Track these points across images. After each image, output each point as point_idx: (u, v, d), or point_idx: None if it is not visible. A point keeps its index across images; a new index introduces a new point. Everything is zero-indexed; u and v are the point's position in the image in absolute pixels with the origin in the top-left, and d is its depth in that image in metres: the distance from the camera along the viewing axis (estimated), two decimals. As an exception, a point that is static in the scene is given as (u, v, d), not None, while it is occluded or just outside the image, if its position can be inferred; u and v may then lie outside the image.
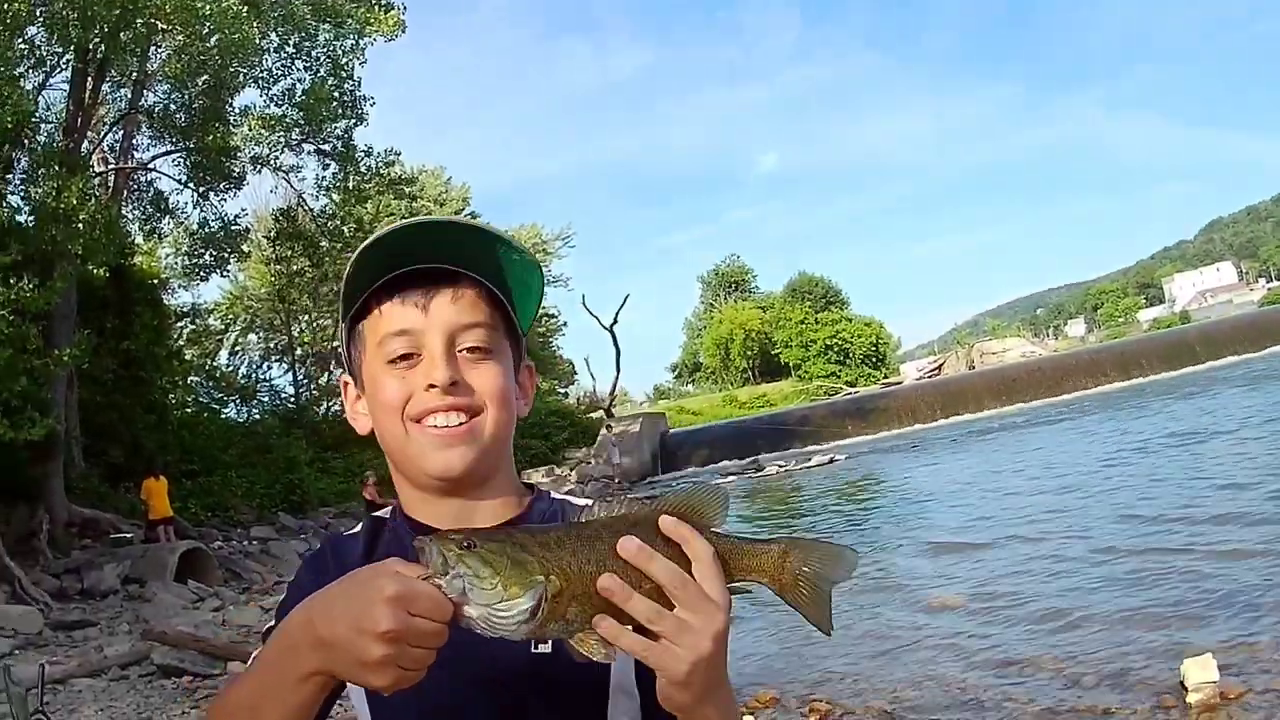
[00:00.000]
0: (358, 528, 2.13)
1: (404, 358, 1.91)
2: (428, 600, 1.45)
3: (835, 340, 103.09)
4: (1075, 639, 10.97)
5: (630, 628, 1.51)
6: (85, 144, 30.52)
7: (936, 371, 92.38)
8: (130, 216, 34.74)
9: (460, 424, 1.89)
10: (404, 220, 1.91)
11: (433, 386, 1.87)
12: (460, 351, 1.91)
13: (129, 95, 32.72)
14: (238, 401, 52.09)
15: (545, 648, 1.81)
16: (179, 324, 47.01)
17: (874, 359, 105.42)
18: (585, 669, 1.60)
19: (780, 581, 1.64)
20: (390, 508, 2.09)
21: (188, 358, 46.95)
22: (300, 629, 1.56)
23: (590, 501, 1.70)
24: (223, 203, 36.87)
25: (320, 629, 1.51)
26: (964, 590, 14.61)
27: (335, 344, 60.22)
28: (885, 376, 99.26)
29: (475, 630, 1.48)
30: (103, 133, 33.23)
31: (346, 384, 2.10)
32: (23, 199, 27.43)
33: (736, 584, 1.62)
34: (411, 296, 1.90)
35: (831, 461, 44.80)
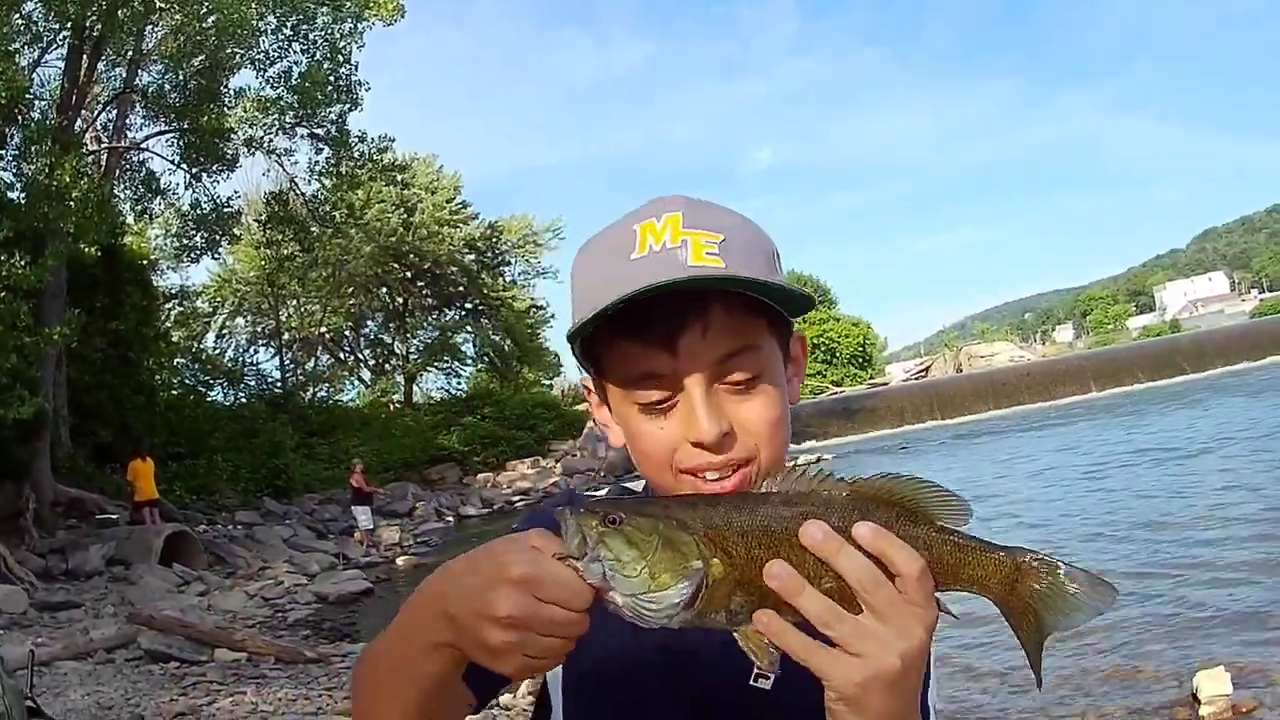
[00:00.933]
0: (603, 492, 1.92)
1: (660, 403, 1.61)
2: (559, 586, 1.26)
3: (822, 339, 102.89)
4: (1083, 649, 10.79)
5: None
6: (79, 122, 30.38)
7: (924, 374, 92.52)
8: (122, 196, 34.55)
9: (730, 475, 1.59)
10: (644, 286, 1.51)
11: (699, 444, 1.57)
12: (723, 387, 1.59)
13: (124, 74, 32.65)
14: (224, 385, 52.08)
15: (765, 683, 1.58)
16: (167, 305, 46.97)
17: (860, 359, 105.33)
18: (807, 711, 1.40)
19: (1009, 602, 1.39)
20: (646, 483, 1.83)
21: (175, 339, 47.00)
22: (433, 599, 1.39)
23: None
24: (215, 185, 36.87)
25: (448, 603, 1.34)
26: (962, 598, 14.51)
27: (323, 329, 60.43)
28: (871, 377, 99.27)
29: (622, 617, 1.28)
30: (97, 111, 33.10)
31: (589, 390, 1.80)
32: (15, 175, 27.36)
33: (950, 591, 1.38)
34: (654, 333, 1.57)
35: (818, 461, 44.68)
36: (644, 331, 1.56)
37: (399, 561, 28.35)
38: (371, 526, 31.40)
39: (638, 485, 1.88)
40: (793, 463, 1.42)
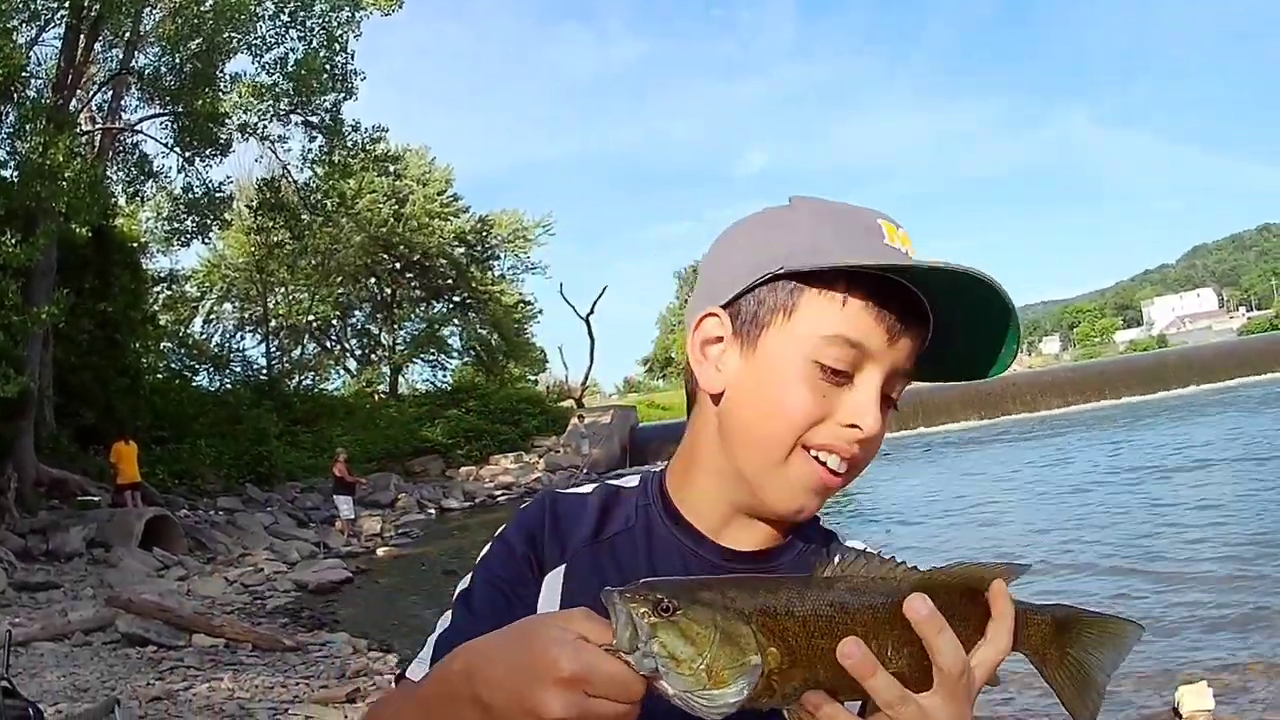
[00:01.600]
0: (588, 489, 1.78)
1: (838, 370, 1.54)
2: (613, 683, 1.18)
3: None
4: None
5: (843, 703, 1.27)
6: (74, 102, 30.38)
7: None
8: (114, 178, 34.56)
9: (843, 473, 1.58)
10: (958, 265, 1.50)
11: (854, 428, 1.54)
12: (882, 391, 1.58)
13: (120, 55, 32.64)
14: (210, 370, 52.13)
15: None
16: (156, 289, 46.98)
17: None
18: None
19: (1046, 659, 1.41)
20: (642, 477, 1.78)
21: (163, 323, 47.04)
22: (461, 679, 1.30)
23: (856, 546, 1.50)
24: (207, 169, 36.88)
25: (480, 689, 1.26)
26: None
27: (311, 318, 60.42)
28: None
29: (669, 701, 1.21)
30: (92, 92, 33.08)
31: (713, 318, 1.65)
32: (9, 153, 27.37)
33: None
34: (888, 311, 1.54)
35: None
36: (883, 306, 1.53)
37: (379, 552, 28.40)
38: (353, 516, 31.39)
39: (628, 481, 1.79)
40: (861, 547, 1.44)
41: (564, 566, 1.65)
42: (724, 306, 1.63)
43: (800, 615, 1.25)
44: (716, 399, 1.64)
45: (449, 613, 1.67)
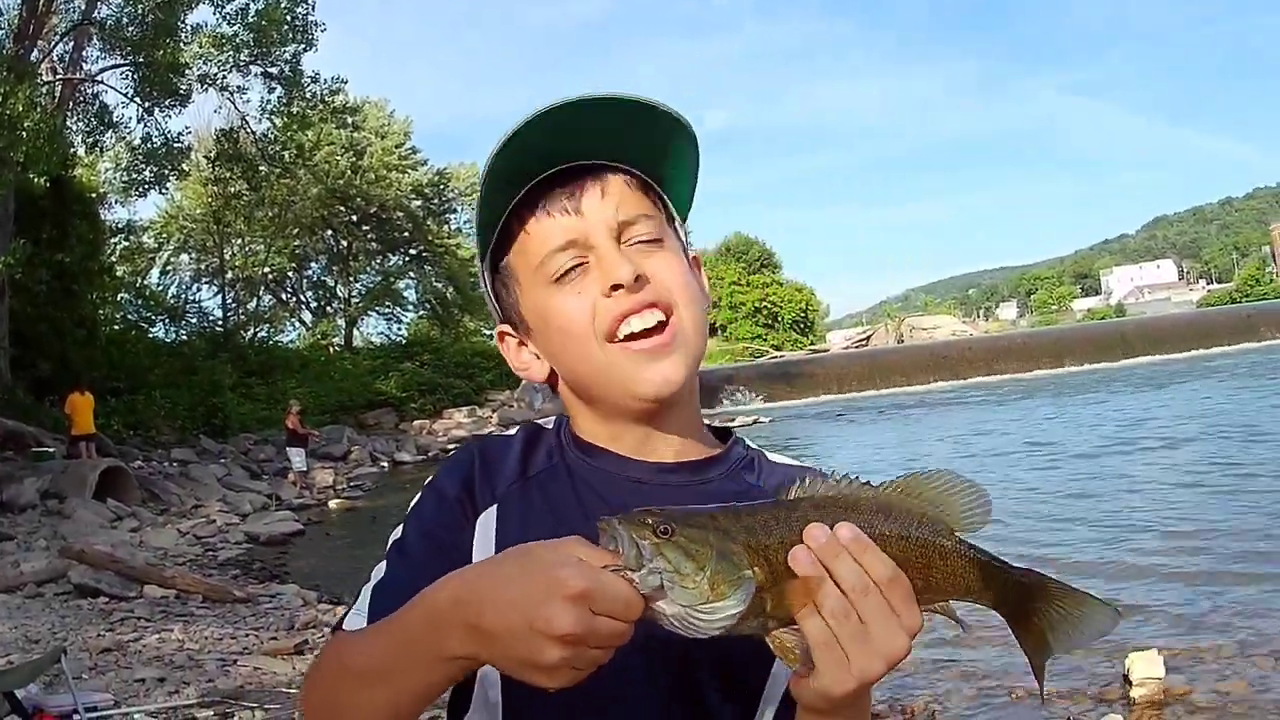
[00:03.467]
0: (513, 431, 1.84)
1: (572, 269, 1.66)
2: (617, 600, 1.24)
3: (765, 303, 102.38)
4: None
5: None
6: (35, 52, 30.23)
7: (865, 342, 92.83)
8: (74, 128, 34.47)
9: (660, 323, 1.64)
10: (530, 115, 1.60)
11: (617, 287, 1.62)
12: (630, 246, 1.67)
13: (82, 6, 32.50)
14: (166, 321, 51.64)
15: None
16: (113, 240, 46.57)
17: (802, 325, 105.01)
18: (755, 643, 1.40)
19: (1018, 620, 1.45)
20: (557, 416, 1.85)
21: (120, 274, 46.60)
22: (453, 608, 1.34)
23: (805, 472, 1.49)
24: (167, 119, 36.87)
25: (483, 617, 1.30)
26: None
27: (267, 269, 60.10)
28: (813, 343, 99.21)
29: (661, 625, 1.28)
30: (53, 42, 32.93)
31: (504, 334, 1.81)
32: (-33, 103, 27.17)
33: (963, 602, 1.43)
34: (556, 204, 1.66)
35: (755, 423, 44.90)
36: (545, 203, 1.66)
37: (331, 504, 28.56)
38: (305, 468, 31.56)
39: (548, 422, 1.86)
40: (824, 473, 1.43)
41: (495, 507, 1.68)
42: (502, 321, 1.81)
43: (778, 534, 1.31)
44: (552, 376, 1.79)
45: (383, 563, 1.68)
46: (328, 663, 1.61)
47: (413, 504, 1.75)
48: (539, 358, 1.78)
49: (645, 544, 1.26)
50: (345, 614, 1.66)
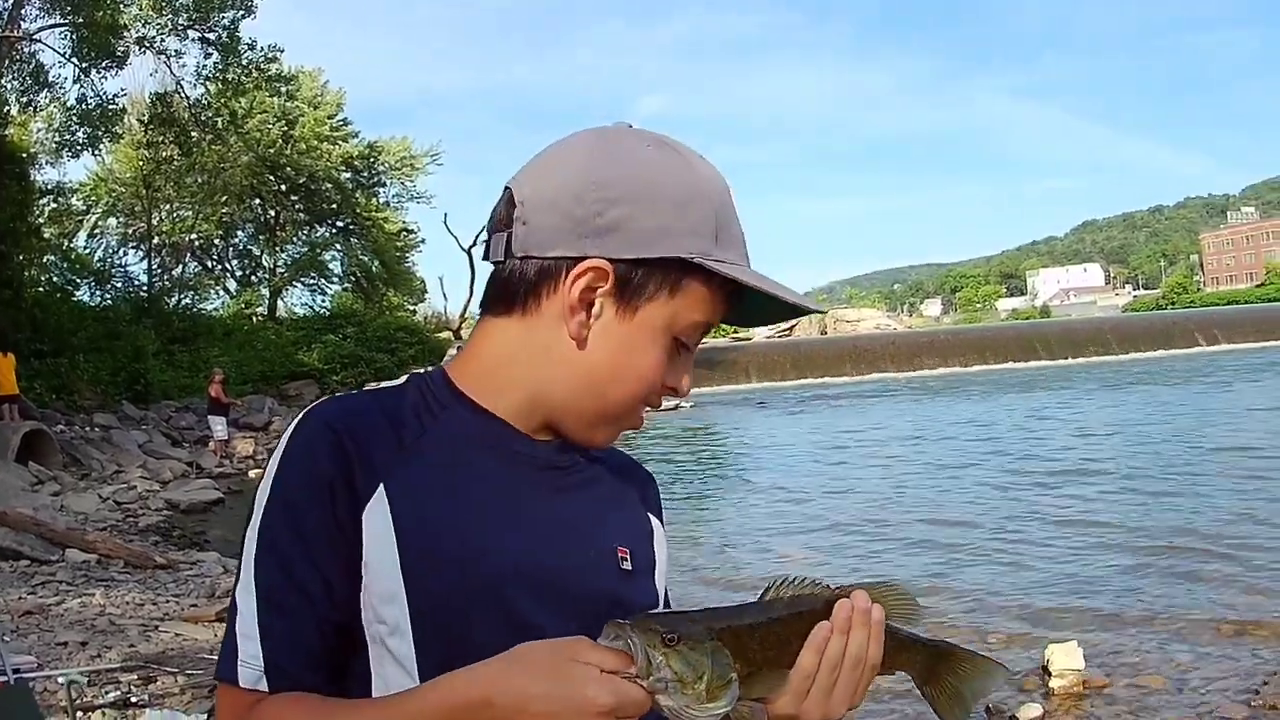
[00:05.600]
0: (363, 401, 1.69)
1: (685, 345, 1.66)
2: (636, 706, 1.36)
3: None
4: (929, 611, 10.80)
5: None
6: (-28, 10, 30.02)
7: (788, 332, 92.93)
8: (8, 86, 34.19)
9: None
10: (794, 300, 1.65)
11: (673, 390, 1.68)
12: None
13: (24, -35, 32.21)
14: (92, 285, 51.27)
15: (629, 564, 1.72)
16: (42, 200, 46.16)
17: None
18: (651, 590, 1.73)
19: (924, 681, 1.69)
20: (410, 379, 1.74)
21: (47, 236, 46.19)
22: (475, 710, 1.36)
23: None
24: (103, 81, 36.58)
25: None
26: (806, 551, 14.90)
27: (194, 236, 59.66)
28: (735, 331, 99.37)
29: (658, 710, 1.41)
30: (-8, 0, 32.67)
31: (598, 272, 1.57)
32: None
33: (882, 673, 1.62)
34: (729, 305, 1.67)
35: (676, 408, 45.02)
36: (732, 301, 1.65)
37: (252, 474, 28.41)
38: (226, 437, 31.62)
39: (394, 386, 1.75)
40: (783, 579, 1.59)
41: (382, 487, 1.55)
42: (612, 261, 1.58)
43: (758, 638, 1.50)
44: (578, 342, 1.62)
45: (249, 579, 1.53)
46: None
47: (273, 507, 1.55)
48: (590, 321, 1.60)
49: (656, 655, 1.37)
50: (229, 660, 1.49)
